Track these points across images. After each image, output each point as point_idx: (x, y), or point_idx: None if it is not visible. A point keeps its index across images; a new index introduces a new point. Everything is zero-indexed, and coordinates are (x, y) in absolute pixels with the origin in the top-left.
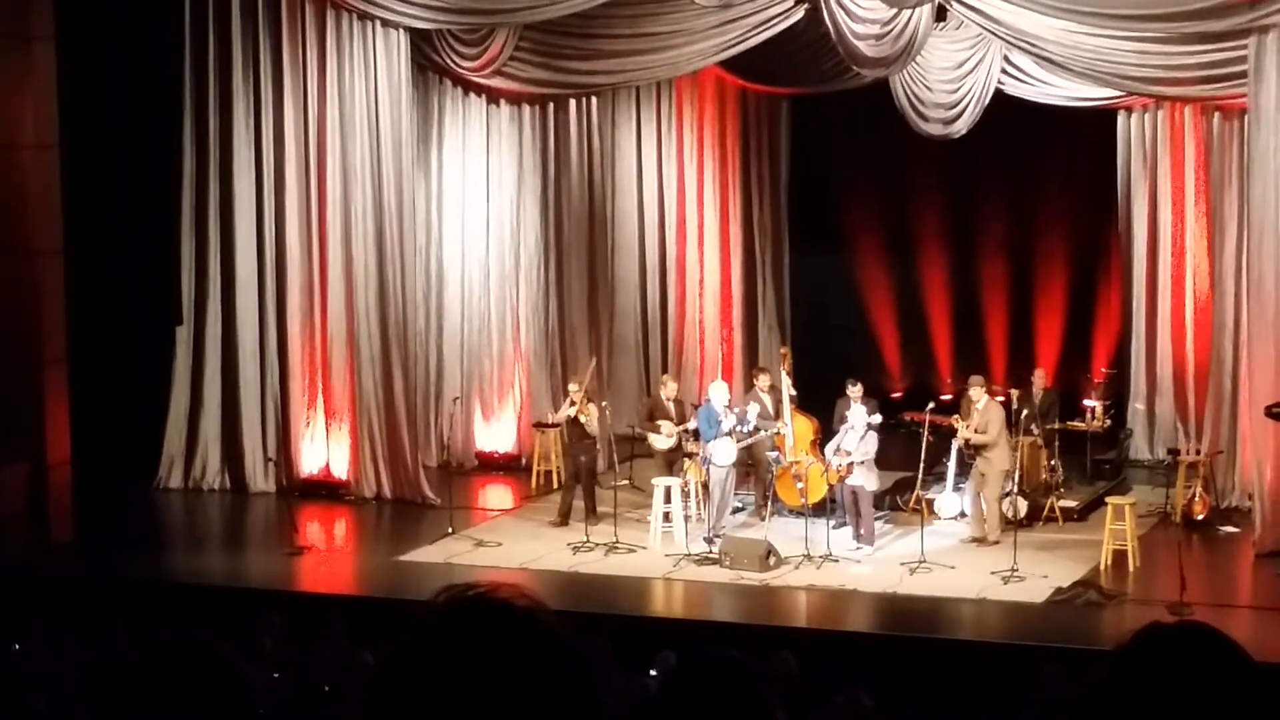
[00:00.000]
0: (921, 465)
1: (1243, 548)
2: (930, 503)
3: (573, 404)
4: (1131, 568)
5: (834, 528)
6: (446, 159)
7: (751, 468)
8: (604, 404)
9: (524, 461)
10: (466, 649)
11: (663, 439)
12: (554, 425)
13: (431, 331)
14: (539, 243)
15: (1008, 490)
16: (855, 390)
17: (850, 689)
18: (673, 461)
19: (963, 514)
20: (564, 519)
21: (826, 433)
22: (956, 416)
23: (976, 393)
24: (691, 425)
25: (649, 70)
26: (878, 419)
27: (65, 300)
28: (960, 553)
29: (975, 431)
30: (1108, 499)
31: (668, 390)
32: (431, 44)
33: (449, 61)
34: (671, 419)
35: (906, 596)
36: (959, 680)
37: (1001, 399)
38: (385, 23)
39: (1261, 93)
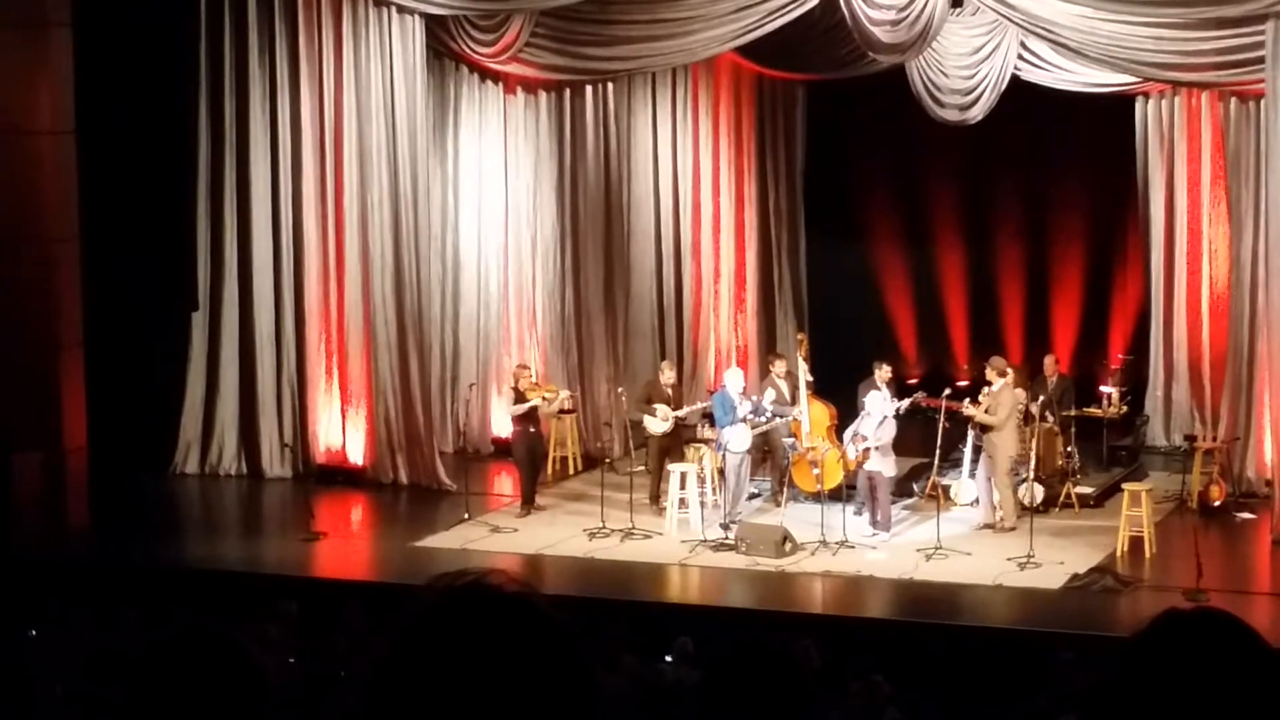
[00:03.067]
0: (937, 451)
1: (1259, 534)
2: (946, 489)
3: (515, 391)
4: (1148, 554)
5: (855, 514)
6: (463, 145)
7: (768, 453)
8: (620, 390)
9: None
10: (460, 636)
11: (658, 422)
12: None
13: (448, 317)
14: (555, 229)
15: (1023, 477)
16: (882, 372)
17: (868, 674)
18: (667, 448)
19: (977, 500)
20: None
21: (846, 418)
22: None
23: (992, 374)
24: (683, 411)
25: (665, 56)
26: (903, 405)
27: (81, 286)
28: (976, 539)
29: (985, 412)
30: (1124, 485)
31: (665, 376)
32: (447, 30)
33: (465, 47)
34: (669, 404)
35: (922, 582)
36: (975, 666)
37: (1019, 390)
38: (401, 9)
39: (1279, 79)
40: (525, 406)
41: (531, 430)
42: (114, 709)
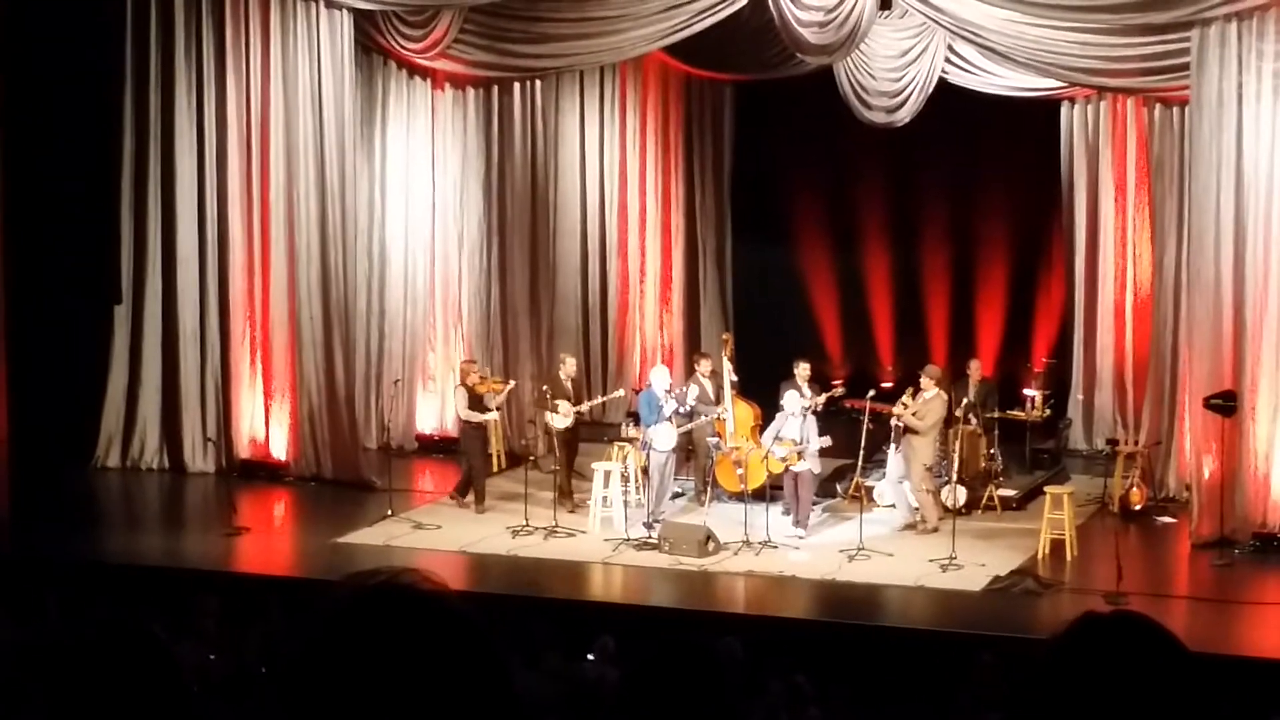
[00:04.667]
0: (861, 453)
1: (1179, 538)
2: (869, 490)
3: (466, 389)
4: (1069, 557)
5: (784, 513)
6: (390, 141)
7: (691, 453)
8: (545, 388)
9: (462, 443)
10: (374, 635)
11: (560, 419)
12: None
13: (373, 313)
14: (482, 226)
15: (946, 479)
16: (802, 370)
17: (790, 674)
18: (569, 441)
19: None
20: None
21: (768, 417)
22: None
23: (926, 383)
24: (585, 406)
25: (593, 54)
26: (820, 400)
27: (3, 278)
28: (899, 540)
29: (914, 415)
30: (1046, 488)
31: (566, 369)
32: (376, 25)
33: (393, 43)
34: (570, 399)
35: (845, 583)
36: (896, 667)
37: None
38: (329, 3)
39: (1204, 85)
40: (486, 417)
41: (476, 426)
42: (33, 703)
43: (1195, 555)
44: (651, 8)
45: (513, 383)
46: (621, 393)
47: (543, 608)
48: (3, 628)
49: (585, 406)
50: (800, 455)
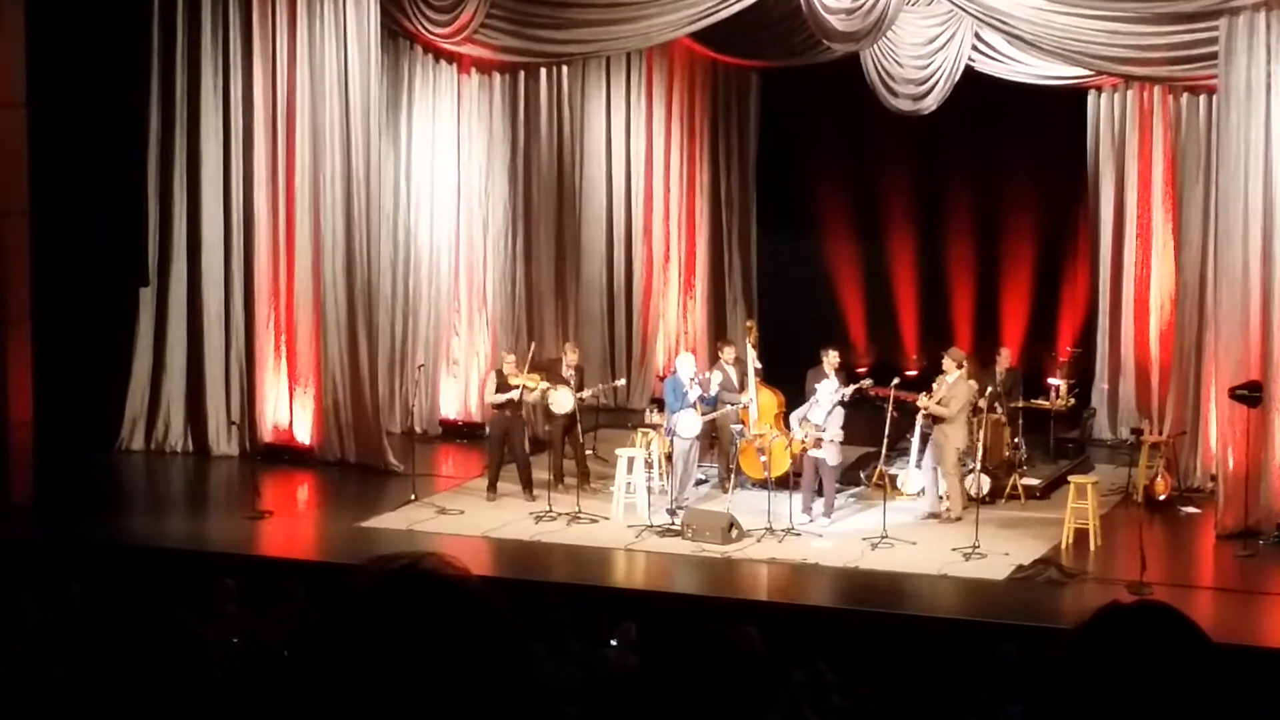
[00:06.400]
0: (885, 441)
1: (1204, 529)
2: (893, 478)
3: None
4: (1093, 547)
5: (802, 510)
6: (416, 126)
7: (715, 440)
8: (567, 374)
9: (487, 429)
10: (395, 619)
11: (559, 404)
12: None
13: (398, 298)
14: (507, 211)
15: (970, 468)
16: (830, 358)
17: (812, 662)
18: (568, 428)
19: (923, 490)
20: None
21: (792, 405)
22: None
23: (949, 365)
24: (586, 393)
25: (620, 40)
26: (848, 391)
27: (30, 260)
28: (922, 529)
29: (938, 404)
30: (1070, 478)
31: (568, 358)
32: (402, 9)
33: (420, 28)
34: (569, 385)
35: (868, 571)
36: (919, 656)
37: (972, 380)
38: None
39: (1232, 74)
40: (498, 398)
41: (507, 414)
42: (56, 687)
43: (1220, 546)
44: None
45: (545, 385)
46: (622, 382)
47: (565, 594)
48: (28, 611)
49: (587, 393)
50: (818, 442)
